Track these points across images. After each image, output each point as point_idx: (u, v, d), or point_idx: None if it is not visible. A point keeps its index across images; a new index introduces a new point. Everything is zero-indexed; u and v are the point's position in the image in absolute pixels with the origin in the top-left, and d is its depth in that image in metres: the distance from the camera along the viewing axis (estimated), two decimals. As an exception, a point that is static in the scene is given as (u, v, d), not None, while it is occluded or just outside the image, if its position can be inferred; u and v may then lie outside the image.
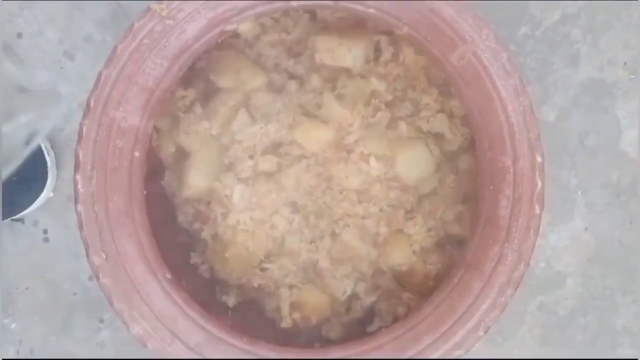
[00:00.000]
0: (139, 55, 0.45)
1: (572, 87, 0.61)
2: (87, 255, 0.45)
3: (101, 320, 0.61)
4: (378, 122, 0.52)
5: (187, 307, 0.46)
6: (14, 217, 0.60)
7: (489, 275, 0.45)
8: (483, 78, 0.45)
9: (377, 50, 0.53)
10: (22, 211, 0.59)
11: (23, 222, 0.61)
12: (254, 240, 0.52)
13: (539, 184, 0.45)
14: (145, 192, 0.47)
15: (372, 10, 0.47)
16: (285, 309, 0.52)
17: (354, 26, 0.52)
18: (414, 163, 0.52)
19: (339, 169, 0.51)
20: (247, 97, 0.52)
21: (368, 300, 0.53)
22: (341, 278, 0.52)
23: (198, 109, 0.52)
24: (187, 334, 0.46)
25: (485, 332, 0.45)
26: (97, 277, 0.45)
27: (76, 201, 0.45)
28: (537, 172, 0.45)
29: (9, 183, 0.56)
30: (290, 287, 0.53)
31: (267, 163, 0.51)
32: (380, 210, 0.52)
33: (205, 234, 0.53)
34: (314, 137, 0.51)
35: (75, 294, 0.61)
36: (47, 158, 0.58)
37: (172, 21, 0.45)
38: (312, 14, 0.53)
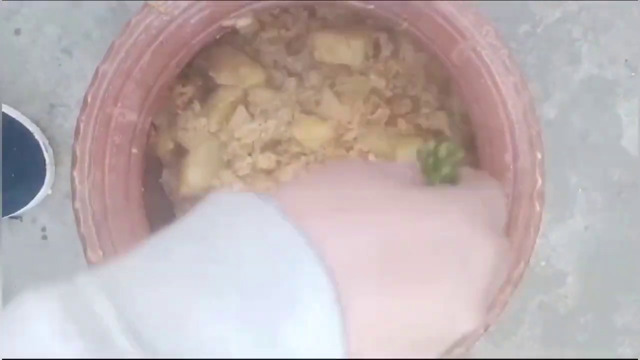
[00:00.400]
0: (136, 51, 0.45)
1: (572, 84, 0.60)
2: (85, 252, 0.45)
3: (99, 318, 0.61)
4: (377, 119, 0.51)
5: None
6: (12, 215, 0.60)
7: (489, 273, 0.45)
8: (483, 75, 0.45)
9: (377, 47, 0.52)
10: (21, 208, 0.59)
11: (21, 220, 0.61)
12: (253, 238, 0.52)
13: (539, 181, 0.45)
14: (143, 189, 0.47)
15: (371, 7, 0.46)
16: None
17: (353, 23, 0.52)
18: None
19: (338, 166, 0.51)
20: (245, 93, 0.52)
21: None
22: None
23: (196, 105, 0.52)
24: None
25: (485, 331, 0.45)
26: (95, 275, 0.45)
27: (73, 198, 0.45)
28: (537, 169, 0.45)
29: (7, 180, 0.56)
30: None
31: (266, 160, 0.51)
32: (380, 208, 0.52)
33: (204, 232, 0.53)
34: (313, 134, 0.51)
35: (73, 291, 0.61)
36: (46, 155, 0.58)
37: (169, 17, 0.45)
38: (312, 10, 0.52)
